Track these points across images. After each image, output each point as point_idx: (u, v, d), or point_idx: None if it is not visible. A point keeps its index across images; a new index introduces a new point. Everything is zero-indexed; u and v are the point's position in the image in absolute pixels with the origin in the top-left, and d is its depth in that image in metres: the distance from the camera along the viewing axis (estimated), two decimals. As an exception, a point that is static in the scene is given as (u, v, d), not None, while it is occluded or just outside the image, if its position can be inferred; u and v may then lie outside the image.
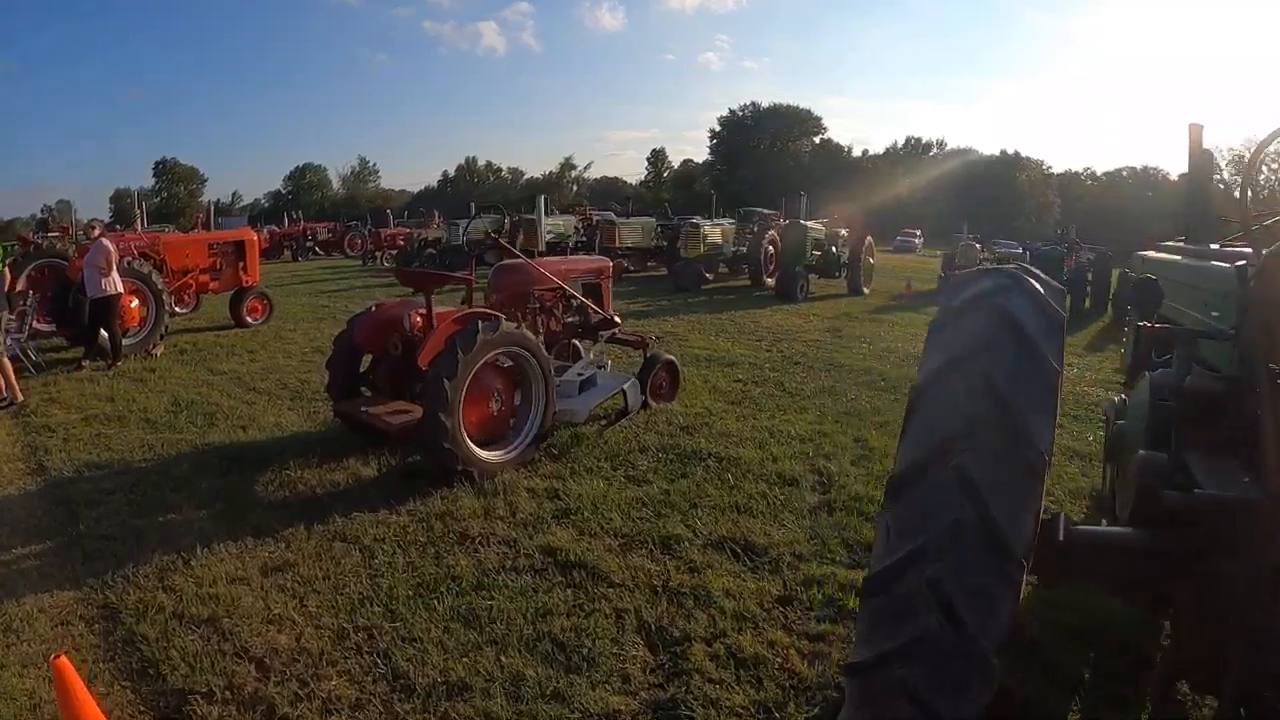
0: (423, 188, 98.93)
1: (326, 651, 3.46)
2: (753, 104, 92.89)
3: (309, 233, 36.65)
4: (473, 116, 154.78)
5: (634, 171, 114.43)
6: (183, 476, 5.68)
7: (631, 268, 21.78)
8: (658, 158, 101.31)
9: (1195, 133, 4.04)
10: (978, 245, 24.73)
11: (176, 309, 12.89)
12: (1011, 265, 2.72)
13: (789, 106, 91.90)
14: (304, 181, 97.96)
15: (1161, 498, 2.33)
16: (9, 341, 9.41)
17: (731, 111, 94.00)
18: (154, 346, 10.66)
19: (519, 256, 6.89)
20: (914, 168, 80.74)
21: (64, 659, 2.62)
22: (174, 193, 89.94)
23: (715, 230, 21.40)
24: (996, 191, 72.87)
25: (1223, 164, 75.76)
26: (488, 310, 5.86)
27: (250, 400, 7.96)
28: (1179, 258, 4.14)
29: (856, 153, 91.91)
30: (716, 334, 12.66)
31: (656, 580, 4.17)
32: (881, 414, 7.79)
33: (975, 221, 31.92)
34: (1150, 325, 3.19)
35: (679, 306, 16.35)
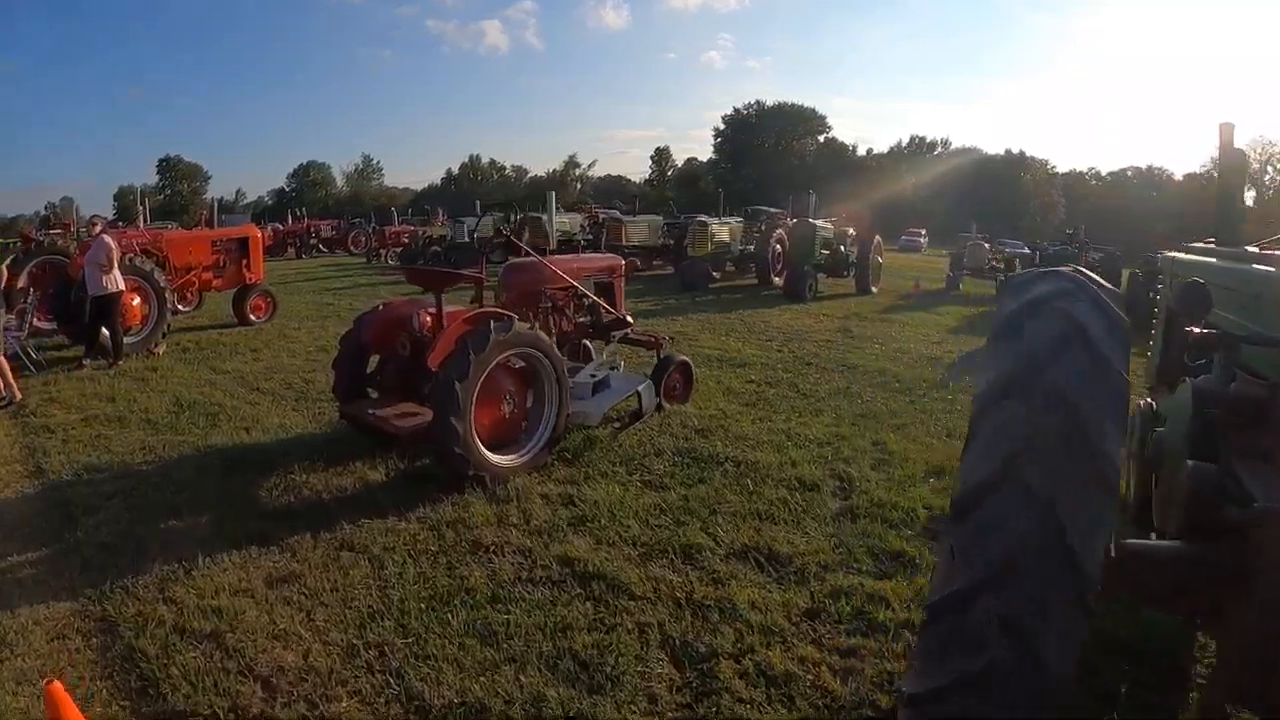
0: (426, 185, 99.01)
1: (336, 670, 3.28)
2: (757, 102, 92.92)
3: (313, 230, 36.52)
4: (476, 115, 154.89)
5: (638, 170, 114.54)
6: (184, 480, 5.50)
7: (641, 266, 21.60)
8: (662, 156, 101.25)
9: (1226, 132, 3.86)
10: (986, 245, 24.60)
11: (179, 307, 12.74)
12: (1068, 268, 2.57)
13: (793, 105, 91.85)
14: (308, 179, 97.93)
15: (1223, 512, 2.21)
16: (9, 340, 9.26)
17: (736, 110, 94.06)
18: (156, 345, 10.48)
19: (530, 254, 6.70)
20: (918, 167, 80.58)
21: (57, 685, 2.44)
22: (178, 190, 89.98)
23: (723, 229, 21.21)
24: (1001, 191, 72.71)
25: (1228, 164, 75.96)
26: (500, 310, 5.68)
27: (254, 401, 7.78)
28: (1213, 260, 3.97)
29: (861, 152, 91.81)
30: (727, 334, 12.48)
31: (679, 592, 3.99)
32: (898, 416, 7.65)
33: (980, 221, 31.63)
34: (1198, 330, 3.03)
35: (687, 305, 16.17)
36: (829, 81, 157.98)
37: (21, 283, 10.83)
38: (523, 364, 5.65)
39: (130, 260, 10.42)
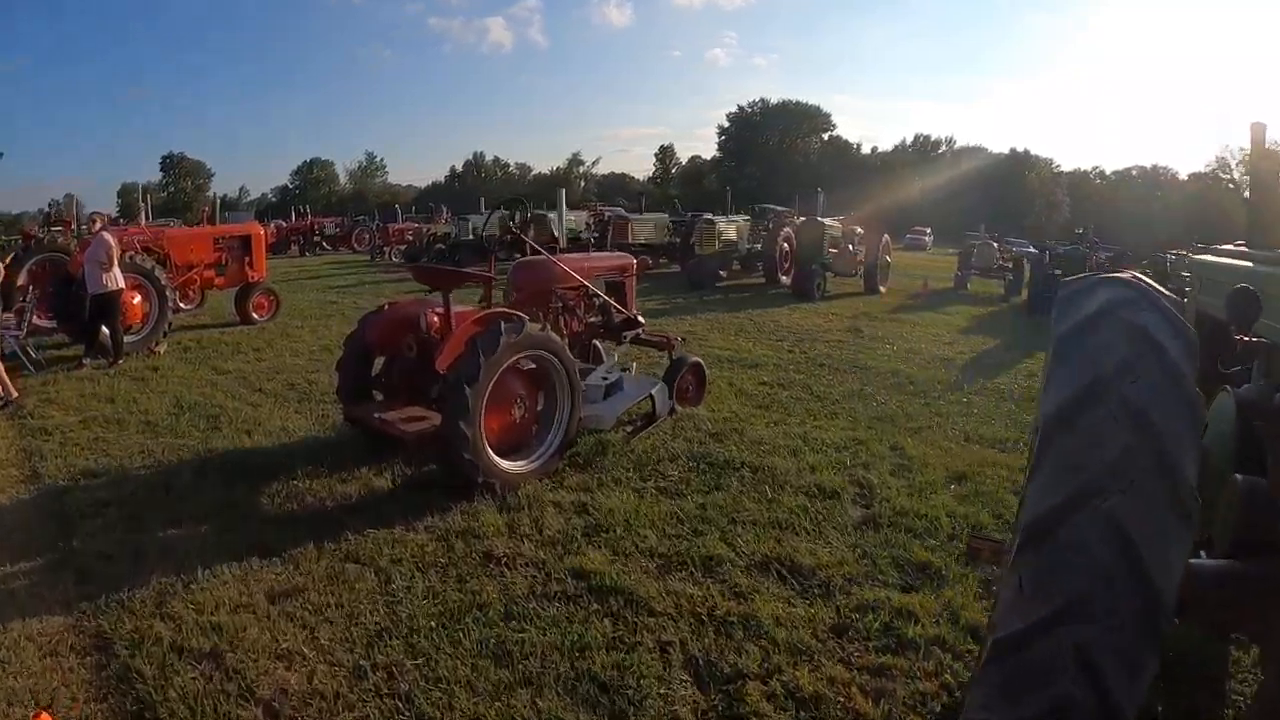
0: (430, 183, 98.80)
1: (342, 693, 3.10)
2: (761, 100, 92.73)
3: (317, 227, 36.37)
4: (479, 113, 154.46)
5: (642, 168, 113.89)
6: (184, 486, 5.32)
7: (651, 264, 21.43)
8: (666, 154, 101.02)
9: (1258, 132, 3.68)
10: (995, 244, 24.34)
11: (181, 305, 12.58)
12: (1125, 273, 2.42)
13: (797, 103, 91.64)
14: (311, 177, 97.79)
15: (1276, 526, 2.12)
16: (8, 340, 9.11)
17: (740, 108, 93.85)
18: (157, 344, 10.31)
19: (541, 253, 6.51)
20: (923, 166, 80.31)
21: (45, 717, 2.27)
22: (181, 187, 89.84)
23: (730, 227, 21.02)
24: (1005, 190, 72.47)
25: (1233, 164, 75.71)
26: (510, 310, 5.49)
27: (256, 402, 7.61)
28: (1248, 264, 3.79)
29: (865, 150, 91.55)
30: (736, 333, 12.31)
31: (700, 607, 3.82)
32: (914, 419, 7.51)
33: (985, 220, 31.34)
34: (1247, 338, 2.87)
35: (695, 305, 16.00)
36: (830, 80, 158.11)
37: (21, 281, 10.68)
38: (533, 366, 5.46)
39: (131, 258, 10.25)
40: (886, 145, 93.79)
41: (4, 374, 7.61)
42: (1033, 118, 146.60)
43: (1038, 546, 1.96)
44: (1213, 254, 4.48)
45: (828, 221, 19.60)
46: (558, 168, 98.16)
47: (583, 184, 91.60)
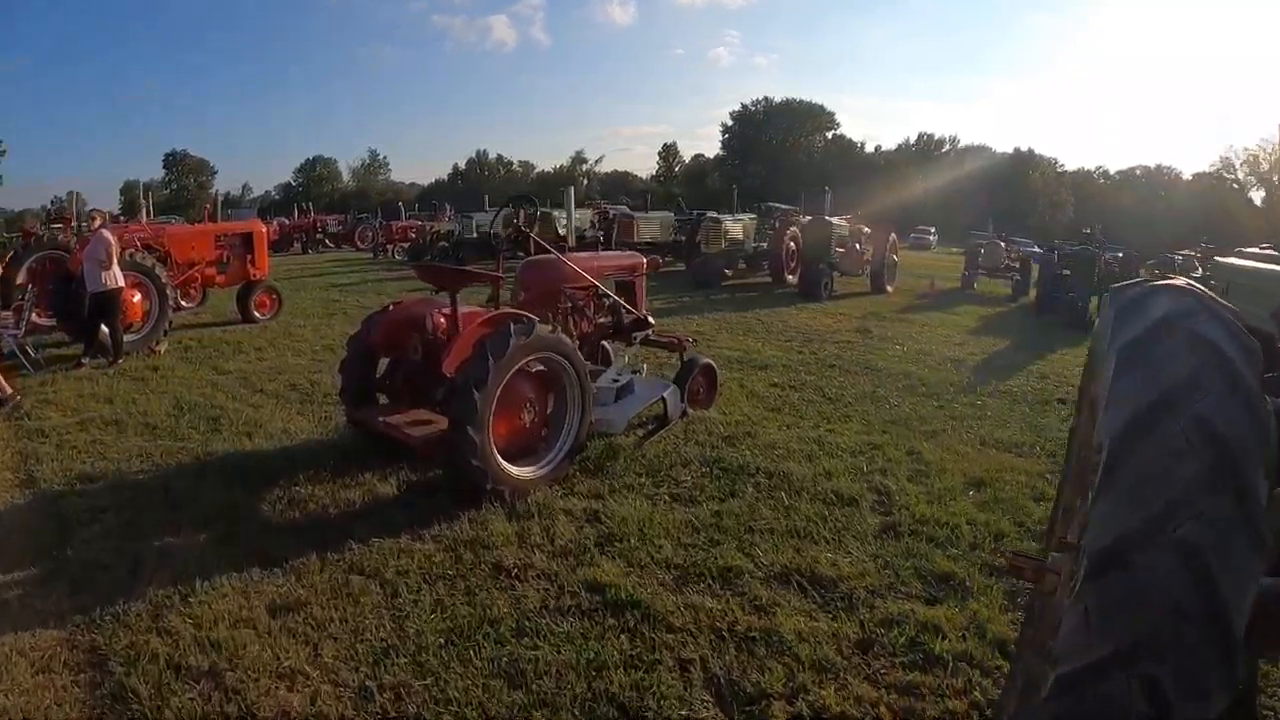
0: (433, 181, 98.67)
1: (347, 716, 2.95)
2: (765, 99, 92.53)
3: (319, 225, 36.19)
4: (482, 111, 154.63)
5: (644, 166, 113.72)
6: (183, 491, 5.16)
7: (661, 263, 21.25)
8: (669, 152, 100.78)
9: None
10: (1002, 244, 24.15)
11: (183, 304, 12.42)
12: (1181, 281, 2.26)
13: (801, 102, 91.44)
14: (314, 174, 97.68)
15: None
16: (6, 338, 8.96)
17: (743, 106, 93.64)
18: (157, 343, 10.14)
19: (551, 251, 6.33)
20: (926, 165, 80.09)
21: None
22: (184, 184, 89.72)
23: (736, 225, 20.85)
24: (1009, 189, 72.23)
25: (1237, 164, 75.44)
26: (520, 311, 5.33)
27: (257, 403, 7.45)
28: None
29: (869, 149, 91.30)
30: (745, 333, 12.15)
31: (720, 622, 3.67)
32: (929, 423, 7.37)
33: (988, 220, 31.13)
34: None
35: (702, 304, 15.82)
36: (831, 80, 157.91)
37: (21, 279, 10.54)
38: (543, 368, 5.30)
39: (131, 256, 10.09)
40: (890, 144, 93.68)
41: None
42: (1036, 117, 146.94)
43: (1106, 576, 1.82)
44: (1238, 257, 4.32)
45: (835, 220, 19.41)
46: (561, 166, 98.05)
47: (585, 182, 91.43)
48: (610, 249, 16.26)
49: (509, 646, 3.39)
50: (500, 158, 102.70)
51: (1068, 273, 18.05)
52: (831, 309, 15.67)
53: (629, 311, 6.87)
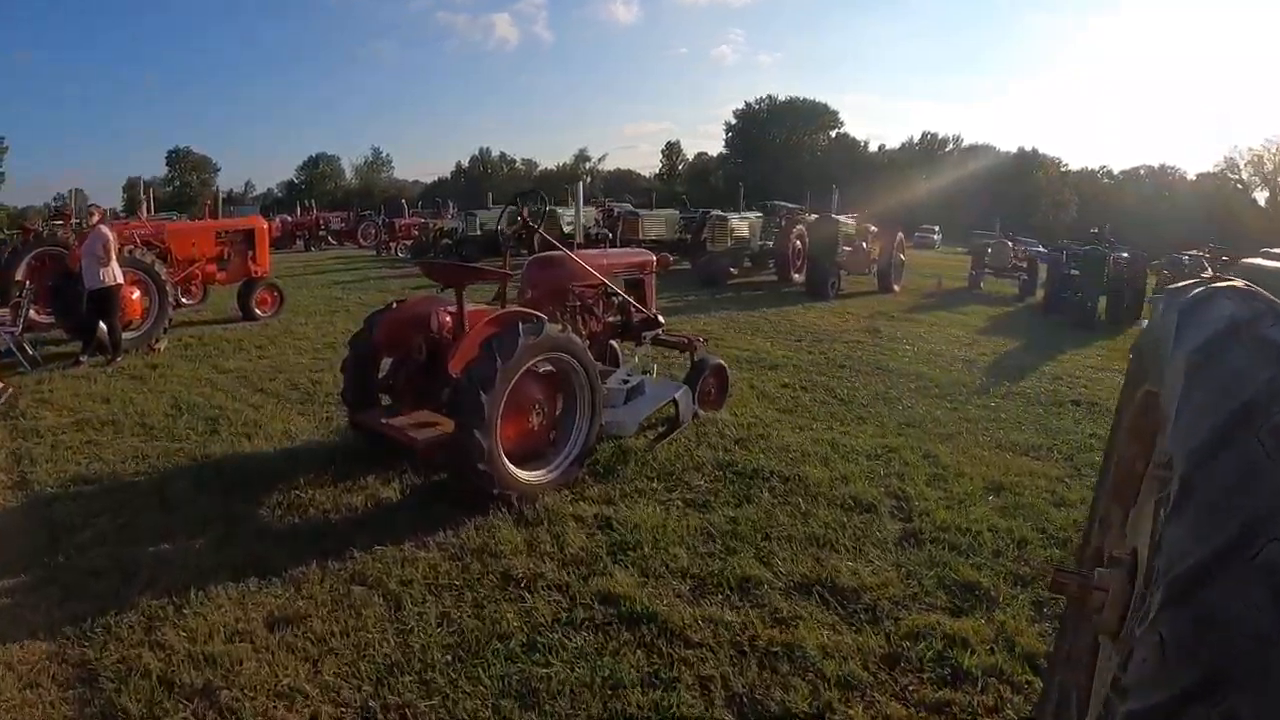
0: (436, 179, 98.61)
1: (349, 739, 2.79)
2: (769, 97, 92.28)
3: (322, 222, 36.01)
4: (485, 109, 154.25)
5: (647, 165, 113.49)
6: (179, 495, 4.99)
7: (672, 261, 21.05)
8: (672, 150, 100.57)
9: None
10: (1009, 244, 23.96)
11: (184, 301, 12.26)
12: (1240, 283, 2.09)
13: (805, 100, 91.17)
14: (317, 172, 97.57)
15: None
16: (3, 335, 8.80)
17: (747, 104, 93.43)
18: (156, 341, 9.97)
19: (559, 248, 6.15)
20: (930, 164, 79.86)
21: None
22: (186, 181, 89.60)
23: (742, 224, 20.65)
24: (1012, 189, 71.98)
25: (1241, 164, 75.15)
26: (528, 310, 5.16)
27: (257, 403, 7.28)
28: None
29: (873, 148, 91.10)
30: (753, 333, 11.97)
31: (740, 636, 3.50)
32: (943, 425, 7.21)
33: (992, 219, 30.94)
34: None
35: (708, 303, 15.65)
36: (834, 79, 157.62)
37: (19, 275, 10.38)
38: (552, 369, 5.13)
39: (130, 252, 9.92)
40: (894, 143, 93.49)
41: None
42: (1039, 117, 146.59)
43: (1184, 603, 1.66)
44: (1263, 258, 4.15)
45: (842, 219, 19.21)
46: (564, 164, 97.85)
47: (589, 180, 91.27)
48: (615, 246, 16.08)
49: (520, 663, 3.22)
50: (503, 156, 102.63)
51: (1076, 272, 17.86)
52: (839, 308, 15.49)
53: (638, 310, 6.69)
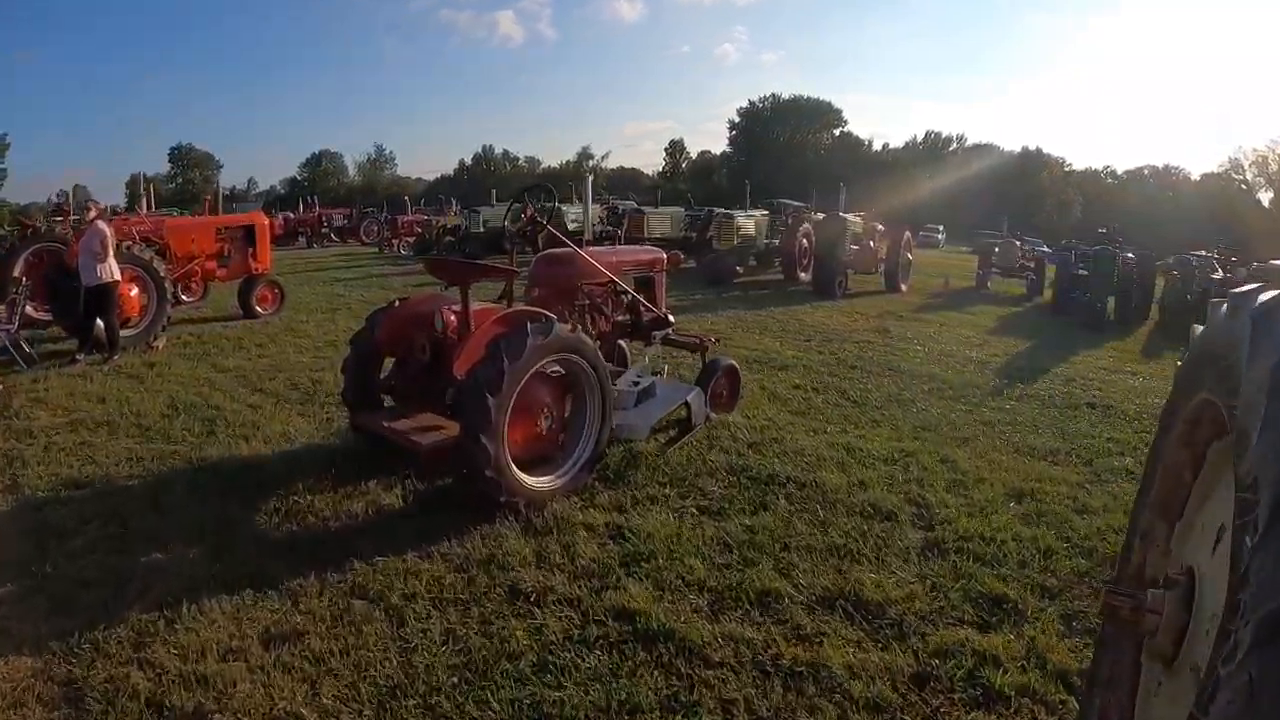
0: (439, 176, 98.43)
1: (348, 771, 2.60)
2: (772, 96, 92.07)
3: (325, 219, 35.81)
4: (488, 107, 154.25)
5: (650, 163, 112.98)
6: (174, 500, 4.80)
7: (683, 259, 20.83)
8: (676, 149, 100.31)
9: None
10: (1017, 244, 23.78)
11: (183, 298, 12.07)
12: None
13: (808, 99, 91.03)
14: (320, 169, 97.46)
15: None
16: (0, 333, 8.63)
17: (751, 102, 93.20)
18: (155, 339, 9.78)
19: (569, 245, 5.96)
20: (934, 163, 79.54)
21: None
22: (189, 178, 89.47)
23: (749, 222, 20.45)
24: (1016, 188, 71.72)
25: (1245, 165, 74.83)
26: (537, 309, 4.96)
27: (255, 404, 7.09)
28: None
29: (876, 147, 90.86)
30: (761, 332, 11.78)
31: (763, 654, 3.33)
32: (959, 428, 7.04)
33: (996, 218, 30.73)
34: None
35: (715, 302, 15.47)
36: (835, 78, 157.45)
37: (17, 272, 10.19)
38: (561, 371, 4.94)
39: (128, 248, 9.74)
40: (897, 142, 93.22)
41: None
42: (1042, 117, 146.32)
43: (1276, 643, 1.48)
44: None
45: (849, 217, 19.01)
46: (568, 161, 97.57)
47: (592, 178, 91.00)
48: (621, 244, 15.88)
49: (530, 686, 3.03)
50: (506, 154, 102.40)
51: (1085, 272, 17.68)
52: (847, 307, 15.31)
53: (648, 309, 6.50)
